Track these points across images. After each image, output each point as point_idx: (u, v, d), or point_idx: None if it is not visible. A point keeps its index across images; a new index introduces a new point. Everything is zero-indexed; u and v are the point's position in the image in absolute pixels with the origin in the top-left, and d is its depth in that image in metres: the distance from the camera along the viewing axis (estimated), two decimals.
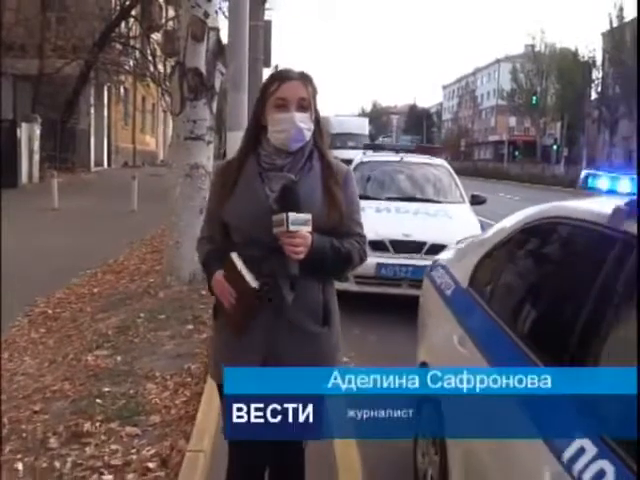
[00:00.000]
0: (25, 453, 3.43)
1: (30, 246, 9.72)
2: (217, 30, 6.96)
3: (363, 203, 7.13)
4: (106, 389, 4.17)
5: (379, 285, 6.49)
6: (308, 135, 2.23)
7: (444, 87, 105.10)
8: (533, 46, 63.48)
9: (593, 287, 1.90)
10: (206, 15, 6.78)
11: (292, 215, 2.06)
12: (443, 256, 3.67)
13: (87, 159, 27.22)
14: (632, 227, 1.86)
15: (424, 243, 6.57)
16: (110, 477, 3.11)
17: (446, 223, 7.01)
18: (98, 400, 3.99)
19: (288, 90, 2.20)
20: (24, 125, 19.45)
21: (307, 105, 2.22)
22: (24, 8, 22.02)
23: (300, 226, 2.07)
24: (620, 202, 1.97)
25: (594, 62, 55.32)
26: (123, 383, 4.24)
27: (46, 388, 4.40)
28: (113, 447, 3.41)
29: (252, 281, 2.12)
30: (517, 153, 69.78)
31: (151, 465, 3.17)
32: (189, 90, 7.11)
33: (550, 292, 2.31)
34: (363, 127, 29.55)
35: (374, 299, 6.49)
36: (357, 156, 8.73)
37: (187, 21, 6.80)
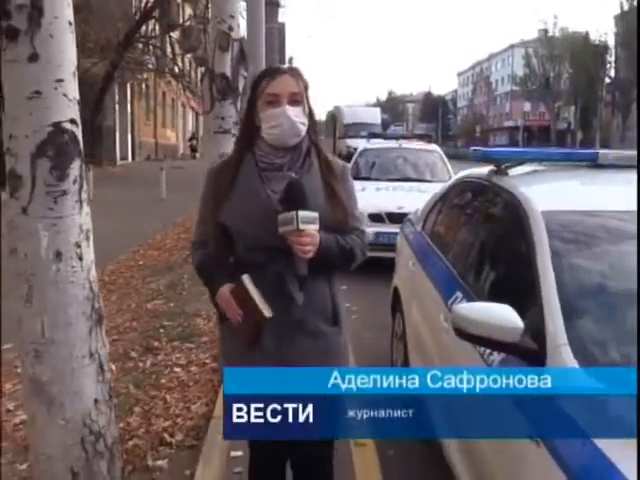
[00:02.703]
0: (114, 362, 4.81)
1: None
2: (240, 40, 8.31)
3: (366, 183, 8.57)
4: (166, 323, 5.55)
5: (377, 250, 7.79)
6: (303, 130, 2.20)
7: (459, 74, 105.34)
8: (546, 31, 63.71)
9: (474, 216, 3.23)
10: (230, 29, 8.03)
11: (302, 213, 2.03)
12: (413, 214, 4.99)
13: (113, 153, 28.64)
14: (497, 179, 3.18)
15: None
16: (179, 369, 4.48)
17: None
18: (161, 330, 5.37)
19: (279, 85, 2.18)
20: None
21: (299, 99, 2.20)
22: None
23: (309, 224, 2.04)
24: (491, 166, 3.31)
25: (606, 46, 55.48)
26: (178, 319, 5.61)
27: (119, 326, 5.77)
28: (178, 355, 4.79)
29: (266, 310, 2.09)
30: (532, 139, 70.05)
31: (207, 361, 4.54)
32: (217, 92, 8.42)
33: (459, 224, 3.65)
34: (375, 117, 30.72)
35: (372, 261, 7.84)
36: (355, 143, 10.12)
37: (214, 34, 8.08)
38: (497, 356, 2.31)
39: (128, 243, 10.40)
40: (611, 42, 54.77)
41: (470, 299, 2.75)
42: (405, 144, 9.73)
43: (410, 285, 3.98)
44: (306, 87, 2.25)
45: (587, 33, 57.52)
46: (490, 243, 3.04)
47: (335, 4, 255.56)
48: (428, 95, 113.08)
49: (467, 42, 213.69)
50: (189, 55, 37.99)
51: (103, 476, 2.96)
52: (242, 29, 10.89)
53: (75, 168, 2.70)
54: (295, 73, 2.25)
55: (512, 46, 79.52)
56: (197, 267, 2.34)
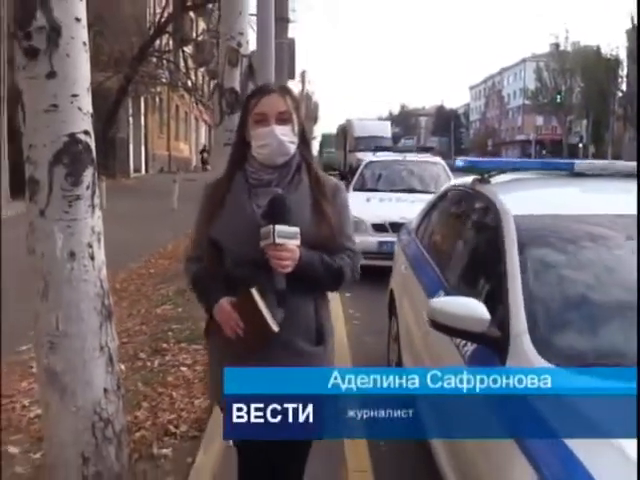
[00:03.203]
0: (124, 362, 5.05)
1: None
2: (249, 56, 8.62)
3: (371, 194, 8.81)
4: (174, 326, 5.80)
5: (380, 259, 8.02)
6: (292, 148, 2.22)
7: (471, 87, 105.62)
8: (558, 45, 63.90)
9: (458, 221, 3.46)
10: (239, 45, 8.33)
11: (279, 227, 2.04)
12: (409, 222, 5.22)
13: (126, 166, 29.05)
14: (479, 187, 3.40)
15: None
16: (185, 368, 4.72)
17: None
18: (169, 333, 5.62)
19: (266, 104, 2.20)
20: None
21: (287, 118, 2.21)
22: None
23: (287, 239, 2.05)
24: (475, 176, 3.54)
25: (617, 60, 55.53)
26: (185, 323, 5.85)
27: (129, 329, 6.02)
28: (184, 355, 5.02)
29: (273, 324, 2.08)
30: (544, 152, 70.05)
31: None
32: (227, 105, 8.72)
33: (445, 229, 3.88)
34: (386, 130, 31.03)
35: (376, 270, 8.05)
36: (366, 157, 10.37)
37: (224, 51, 8.38)
38: (470, 347, 2.53)
39: (140, 252, 10.68)
40: (623, 56, 54.88)
41: (450, 296, 2.97)
42: (409, 157, 10.01)
43: (402, 287, 4.22)
44: (297, 105, 2.28)
45: (599, 47, 57.71)
46: (470, 245, 3.28)
47: (348, 19, 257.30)
48: (440, 108, 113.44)
49: (479, 56, 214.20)
50: (202, 69, 38.62)
51: (111, 461, 3.19)
52: (252, 43, 11.15)
53: (88, 175, 2.96)
54: (284, 92, 2.26)
55: (524, 60, 79.80)
56: (191, 280, 2.35)
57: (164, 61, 28.13)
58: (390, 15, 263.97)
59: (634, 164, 3.28)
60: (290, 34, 17.87)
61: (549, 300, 2.39)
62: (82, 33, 2.90)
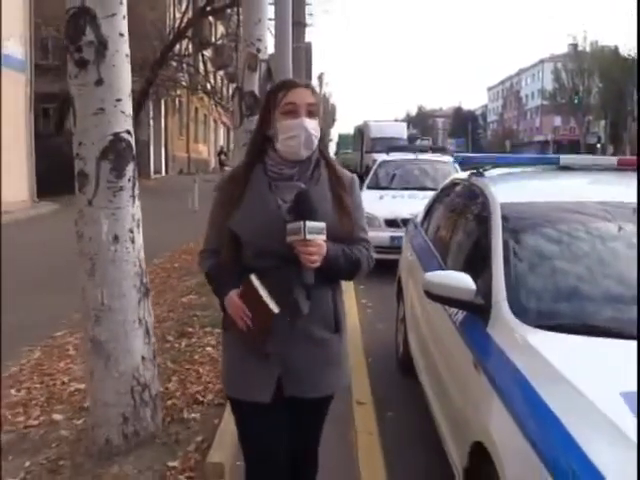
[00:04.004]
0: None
1: None
2: (267, 61, 9.06)
3: (384, 192, 9.25)
4: (198, 313, 6.23)
5: (392, 253, 8.39)
6: (316, 142, 2.25)
7: (489, 89, 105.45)
8: (576, 45, 63.76)
9: (456, 209, 3.87)
10: (258, 50, 8.76)
11: (309, 223, 2.07)
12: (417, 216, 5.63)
13: (147, 167, 29.57)
14: (474, 180, 3.81)
15: None
16: (210, 348, 5.14)
17: None
18: (194, 318, 6.06)
19: (296, 95, 2.21)
20: None
21: (315, 111, 2.23)
22: None
23: (316, 234, 2.08)
24: (472, 170, 3.96)
25: (635, 60, 55.23)
26: (209, 309, 6.28)
27: (157, 316, 6.41)
28: (209, 338, 5.45)
29: (274, 307, 2.12)
30: (562, 153, 69.64)
31: None
32: (246, 108, 9.16)
33: (444, 216, 4.29)
34: (401, 132, 31.36)
35: (387, 263, 8.47)
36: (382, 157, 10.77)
37: (244, 56, 8.81)
38: (460, 315, 2.93)
39: (163, 249, 11.12)
40: None
41: None
42: (421, 156, 10.40)
43: (408, 272, 4.63)
44: (320, 101, 2.30)
45: (617, 47, 57.61)
46: (464, 229, 3.69)
47: (365, 22, 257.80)
48: (458, 110, 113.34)
49: (497, 57, 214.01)
50: (221, 72, 39.19)
51: (147, 422, 3.63)
52: (270, 47, 11.56)
53: (130, 169, 3.40)
54: (310, 87, 2.28)
55: (542, 61, 79.61)
56: (207, 274, 2.38)
57: (184, 65, 28.67)
58: (408, 17, 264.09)
59: (614, 158, 3.66)
60: (307, 37, 18.35)
61: (526, 273, 2.79)
62: (125, 46, 3.34)
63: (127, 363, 3.51)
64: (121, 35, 3.30)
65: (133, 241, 3.47)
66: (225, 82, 42.25)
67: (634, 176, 3.28)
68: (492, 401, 2.33)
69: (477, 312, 2.73)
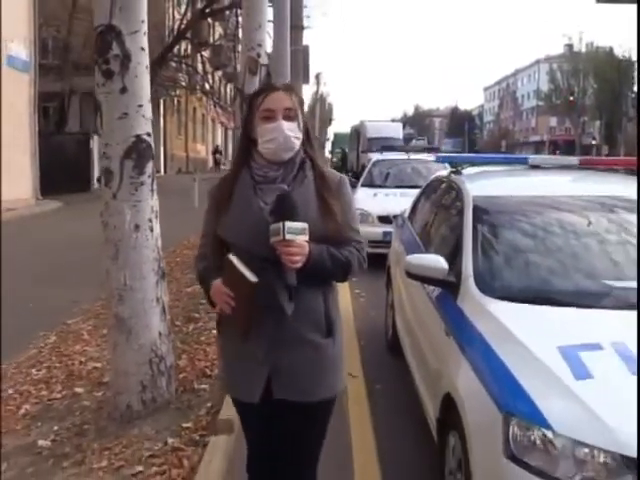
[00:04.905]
0: None
1: None
2: (267, 65, 9.52)
3: (377, 190, 9.74)
4: (203, 301, 6.68)
5: (384, 247, 8.87)
6: (297, 144, 2.27)
7: (485, 89, 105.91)
8: (571, 46, 64.19)
9: (436, 202, 4.37)
10: (258, 55, 9.22)
11: (288, 224, 2.08)
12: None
13: None
14: (452, 177, 4.30)
15: None
16: (215, 331, 5.61)
17: None
18: (200, 306, 6.53)
19: (273, 101, 2.24)
20: (95, 137, 22.32)
21: (293, 115, 2.25)
22: (92, 33, 24.98)
23: (296, 235, 2.09)
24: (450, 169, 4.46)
25: (630, 61, 55.67)
26: None
27: None
28: (214, 323, 5.90)
29: (251, 276, 2.11)
30: (558, 153, 70.21)
31: None
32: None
33: (426, 209, 4.80)
34: (397, 131, 31.72)
35: (380, 256, 8.96)
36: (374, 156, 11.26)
37: (245, 60, 9.27)
38: (435, 292, 3.43)
39: (165, 245, 11.55)
40: (635, 57, 55.13)
41: None
42: (414, 156, 10.90)
43: (395, 261, 5.12)
44: (301, 103, 2.32)
45: (611, 48, 58.06)
46: (442, 220, 4.21)
47: (362, 22, 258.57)
48: (455, 110, 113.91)
49: (493, 57, 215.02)
50: (219, 73, 39.61)
51: (163, 390, 4.11)
52: (268, 47, 12.00)
53: (149, 167, 3.88)
54: (289, 89, 2.30)
55: (538, 61, 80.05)
56: (198, 279, 2.41)
57: (183, 65, 29.09)
58: (406, 17, 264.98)
59: (576, 159, 4.17)
60: (305, 38, 18.82)
61: (490, 255, 3.30)
62: (145, 59, 3.82)
63: (146, 337, 3.98)
64: (142, 49, 3.78)
65: (152, 230, 3.95)
66: (223, 82, 42.70)
67: (590, 173, 3.79)
68: (459, 360, 2.82)
69: (449, 288, 3.22)
